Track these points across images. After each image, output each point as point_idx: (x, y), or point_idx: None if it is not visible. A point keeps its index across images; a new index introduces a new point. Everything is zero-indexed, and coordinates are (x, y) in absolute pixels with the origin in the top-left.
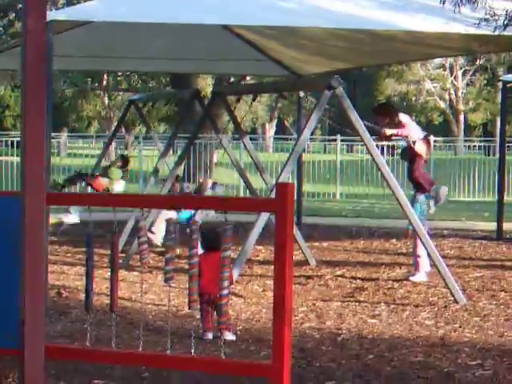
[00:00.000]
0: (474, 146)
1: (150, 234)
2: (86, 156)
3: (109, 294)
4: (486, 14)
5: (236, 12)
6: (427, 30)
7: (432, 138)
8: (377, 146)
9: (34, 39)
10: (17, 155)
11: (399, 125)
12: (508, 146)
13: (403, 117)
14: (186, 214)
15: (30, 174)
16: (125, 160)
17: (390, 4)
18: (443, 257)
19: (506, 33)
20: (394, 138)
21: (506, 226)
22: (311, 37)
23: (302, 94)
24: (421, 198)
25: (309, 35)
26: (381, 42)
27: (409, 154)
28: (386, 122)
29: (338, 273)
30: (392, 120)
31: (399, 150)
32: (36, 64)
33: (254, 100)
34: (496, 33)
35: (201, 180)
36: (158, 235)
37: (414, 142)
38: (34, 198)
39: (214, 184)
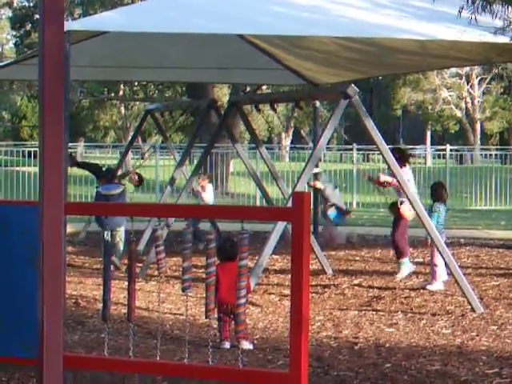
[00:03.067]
0: (491, 155)
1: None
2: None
3: (126, 303)
4: (503, 23)
5: (251, 21)
6: (444, 38)
7: (448, 147)
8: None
9: (51, 50)
10: (34, 165)
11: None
12: None
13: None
14: None
15: (48, 184)
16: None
17: (408, 12)
18: (460, 265)
19: None
20: (386, 185)
21: None
22: (326, 48)
23: (317, 103)
24: (439, 207)
25: (323, 47)
26: (395, 53)
27: (395, 212)
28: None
29: (355, 282)
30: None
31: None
32: (54, 74)
33: (274, 110)
34: None
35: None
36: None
37: (401, 202)
38: (52, 208)
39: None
